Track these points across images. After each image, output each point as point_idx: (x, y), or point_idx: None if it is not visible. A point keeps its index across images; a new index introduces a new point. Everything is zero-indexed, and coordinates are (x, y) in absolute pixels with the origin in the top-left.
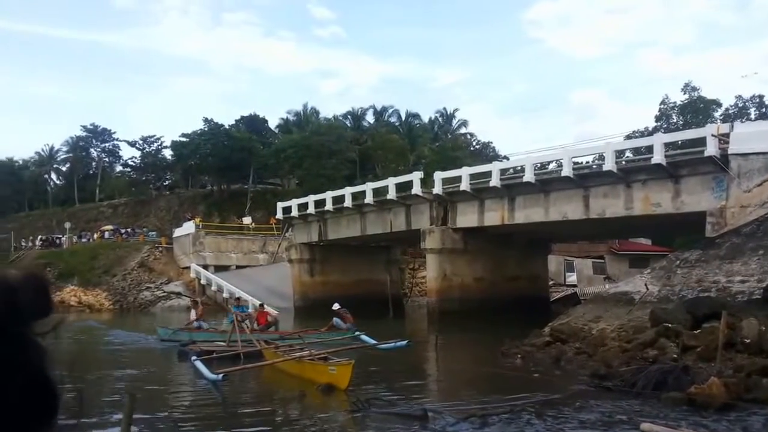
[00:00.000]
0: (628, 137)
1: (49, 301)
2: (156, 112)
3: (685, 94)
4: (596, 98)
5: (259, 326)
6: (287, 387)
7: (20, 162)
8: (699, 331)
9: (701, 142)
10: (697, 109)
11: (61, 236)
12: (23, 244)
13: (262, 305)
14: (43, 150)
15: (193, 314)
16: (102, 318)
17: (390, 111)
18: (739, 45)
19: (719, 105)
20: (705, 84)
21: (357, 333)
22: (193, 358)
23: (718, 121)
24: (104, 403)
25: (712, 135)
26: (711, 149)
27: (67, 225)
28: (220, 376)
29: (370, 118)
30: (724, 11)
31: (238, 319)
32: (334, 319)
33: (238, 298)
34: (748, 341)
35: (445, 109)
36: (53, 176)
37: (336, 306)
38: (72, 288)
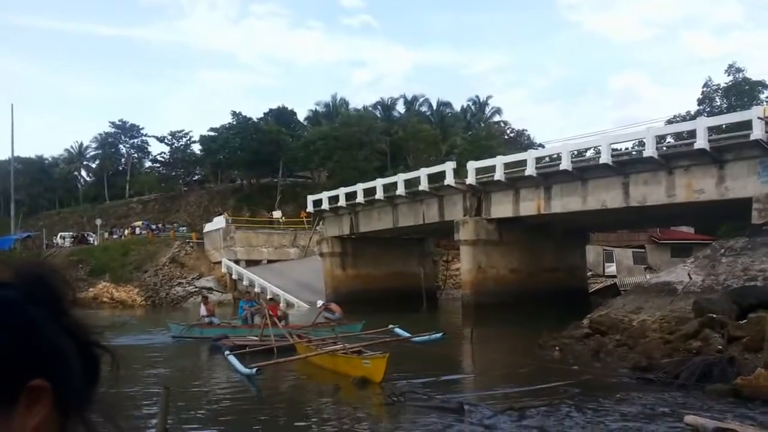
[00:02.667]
0: (669, 122)
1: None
2: (184, 107)
3: (729, 75)
4: (637, 82)
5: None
6: (321, 381)
7: (50, 159)
8: (745, 321)
9: (746, 125)
10: (741, 91)
11: (90, 233)
12: (55, 241)
13: (272, 299)
14: (72, 147)
15: (203, 310)
16: (134, 314)
17: (421, 100)
18: None
19: (765, 86)
20: (750, 65)
21: (391, 326)
22: (227, 352)
23: (764, 103)
24: (137, 398)
25: (758, 118)
26: (757, 132)
27: (98, 222)
28: (254, 370)
29: (400, 107)
30: None
31: (272, 314)
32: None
33: (249, 293)
34: None
35: (477, 96)
36: (83, 173)
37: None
38: (104, 284)
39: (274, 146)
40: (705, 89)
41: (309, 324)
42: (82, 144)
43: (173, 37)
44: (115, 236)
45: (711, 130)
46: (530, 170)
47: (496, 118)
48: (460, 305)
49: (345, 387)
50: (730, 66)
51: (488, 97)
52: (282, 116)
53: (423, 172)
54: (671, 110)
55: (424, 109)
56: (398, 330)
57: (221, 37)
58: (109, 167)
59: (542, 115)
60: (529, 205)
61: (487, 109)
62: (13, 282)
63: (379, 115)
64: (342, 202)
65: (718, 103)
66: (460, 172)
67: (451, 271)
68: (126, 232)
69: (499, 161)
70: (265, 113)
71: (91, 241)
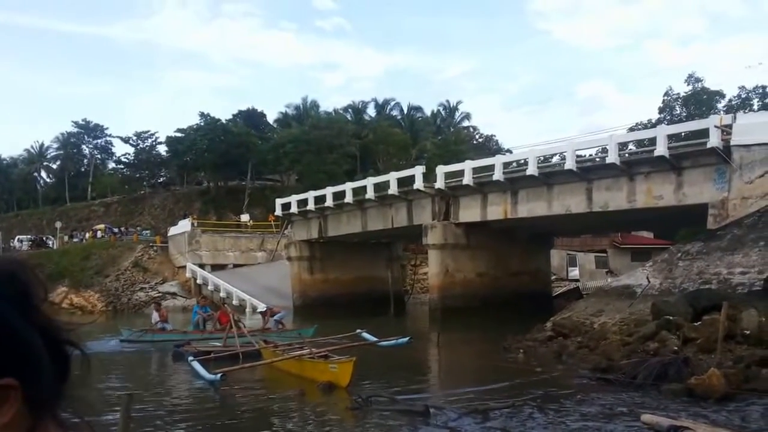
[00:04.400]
0: (632, 129)
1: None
2: (151, 108)
3: (688, 85)
4: (602, 90)
5: (221, 326)
6: (287, 386)
7: (8, 160)
8: (700, 323)
9: (704, 133)
10: (700, 100)
11: (49, 236)
12: (11, 245)
13: (223, 304)
14: (32, 147)
15: (155, 316)
16: (93, 320)
17: (392, 104)
18: (745, 35)
19: (722, 96)
20: (709, 75)
21: (358, 331)
22: (190, 358)
23: (721, 112)
24: (98, 404)
25: (715, 126)
26: (714, 141)
27: (58, 224)
28: (219, 376)
29: (371, 111)
30: (733, 1)
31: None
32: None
33: (204, 297)
34: (747, 332)
35: (447, 101)
36: (43, 174)
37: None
38: (63, 290)
39: (242, 148)
40: (666, 98)
41: (259, 329)
42: (42, 144)
43: (141, 35)
44: (75, 240)
45: (670, 137)
46: (498, 175)
47: (465, 123)
48: (428, 309)
49: (310, 392)
50: (690, 76)
51: (458, 102)
52: (251, 118)
53: (392, 176)
54: (634, 118)
55: (394, 113)
56: (365, 334)
57: (191, 36)
58: (71, 168)
59: (510, 121)
60: (497, 210)
61: (457, 114)
62: None
63: (349, 119)
64: (311, 206)
65: (678, 112)
66: (429, 177)
67: (419, 276)
68: (87, 235)
69: (467, 166)
70: (234, 115)
71: (50, 245)
